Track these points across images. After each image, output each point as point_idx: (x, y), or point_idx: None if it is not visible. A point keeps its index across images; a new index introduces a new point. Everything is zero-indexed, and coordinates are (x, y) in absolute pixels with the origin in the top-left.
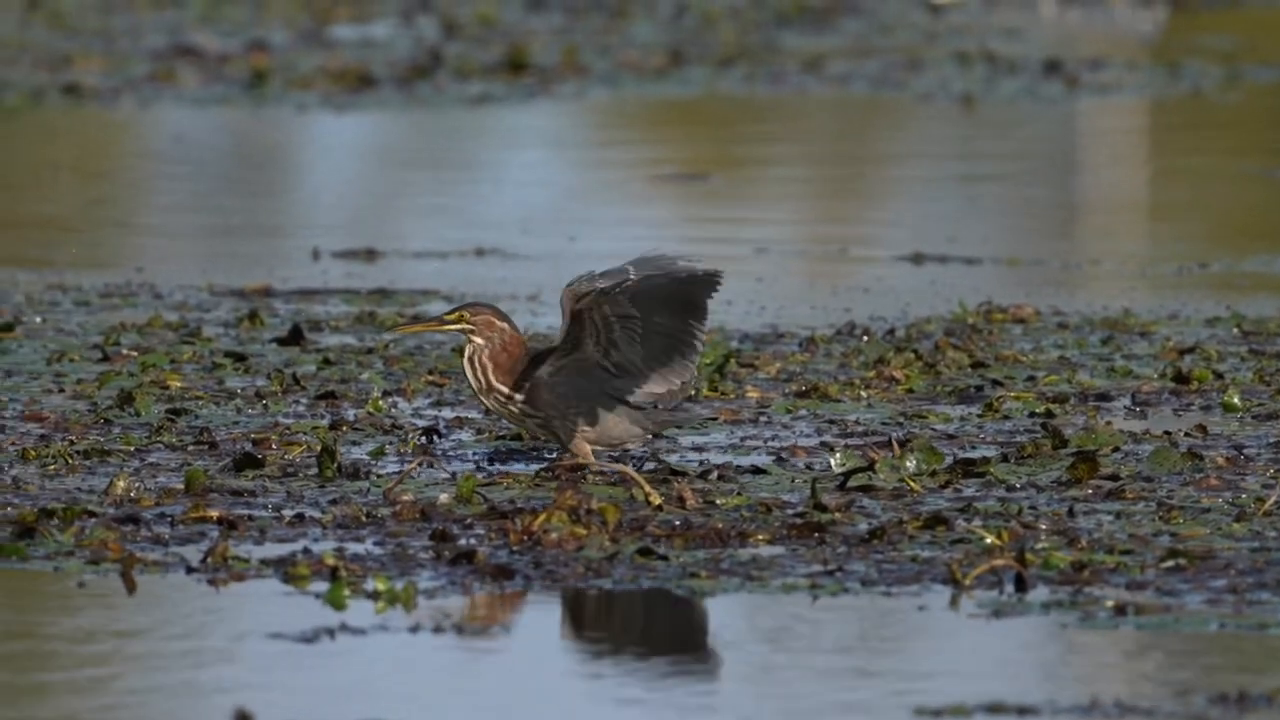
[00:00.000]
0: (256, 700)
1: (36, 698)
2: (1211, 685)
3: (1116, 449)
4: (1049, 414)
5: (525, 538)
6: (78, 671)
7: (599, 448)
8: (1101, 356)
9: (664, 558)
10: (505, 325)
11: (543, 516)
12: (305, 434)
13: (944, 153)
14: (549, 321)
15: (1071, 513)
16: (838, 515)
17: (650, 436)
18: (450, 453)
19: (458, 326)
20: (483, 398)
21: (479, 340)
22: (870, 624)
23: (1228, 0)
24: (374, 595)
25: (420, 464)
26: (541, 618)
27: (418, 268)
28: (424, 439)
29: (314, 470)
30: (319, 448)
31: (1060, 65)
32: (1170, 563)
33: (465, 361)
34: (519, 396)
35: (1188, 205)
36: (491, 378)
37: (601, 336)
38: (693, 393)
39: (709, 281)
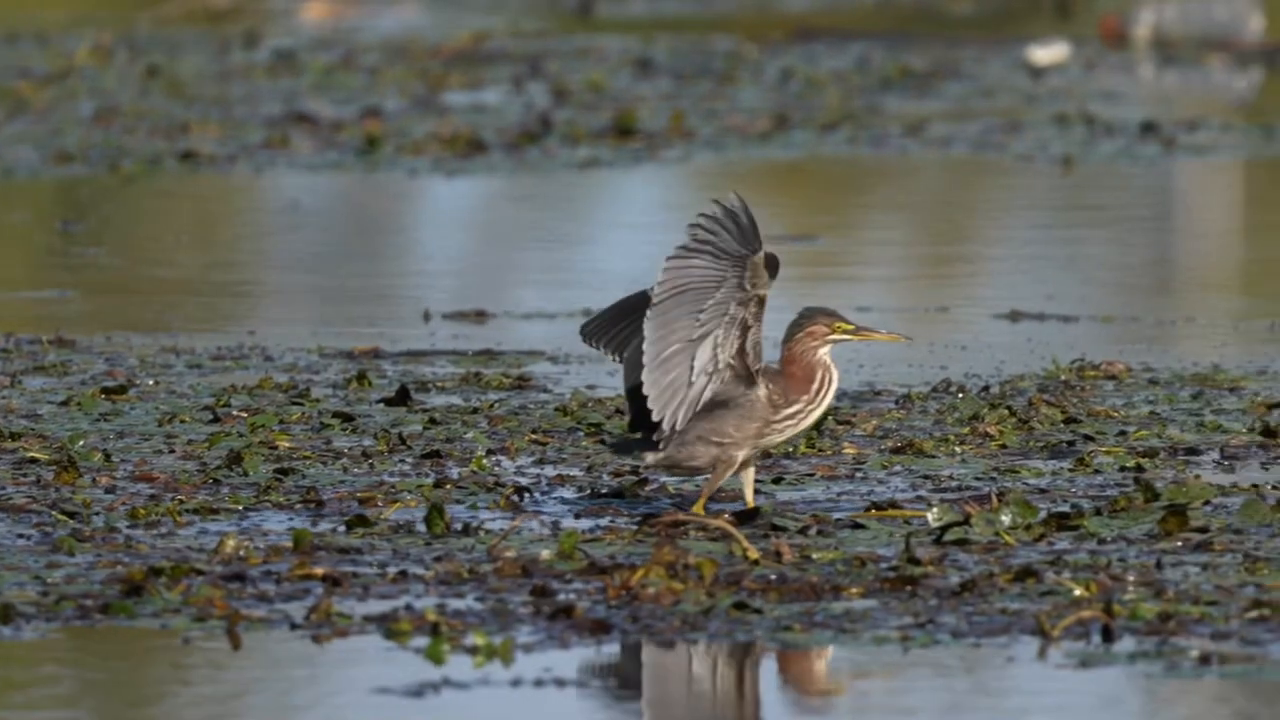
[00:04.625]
0: None
1: None
2: None
3: (1207, 502)
4: (1139, 468)
5: (623, 592)
6: None
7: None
8: (1191, 411)
9: (758, 611)
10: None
11: (640, 572)
12: (410, 492)
13: (1044, 213)
14: None
15: (1159, 565)
16: (930, 569)
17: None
18: (552, 510)
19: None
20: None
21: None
22: (959, 675)
23: None
24: (473, 650)
25: (522, 521)
26: (639, 671)
27: (526, 329)
28: (515, 496)
29: (422, 528)
30: (426, 505)
31: (1157, 127)
32: (1254, 613)
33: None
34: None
35: None
36: None
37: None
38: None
39: None
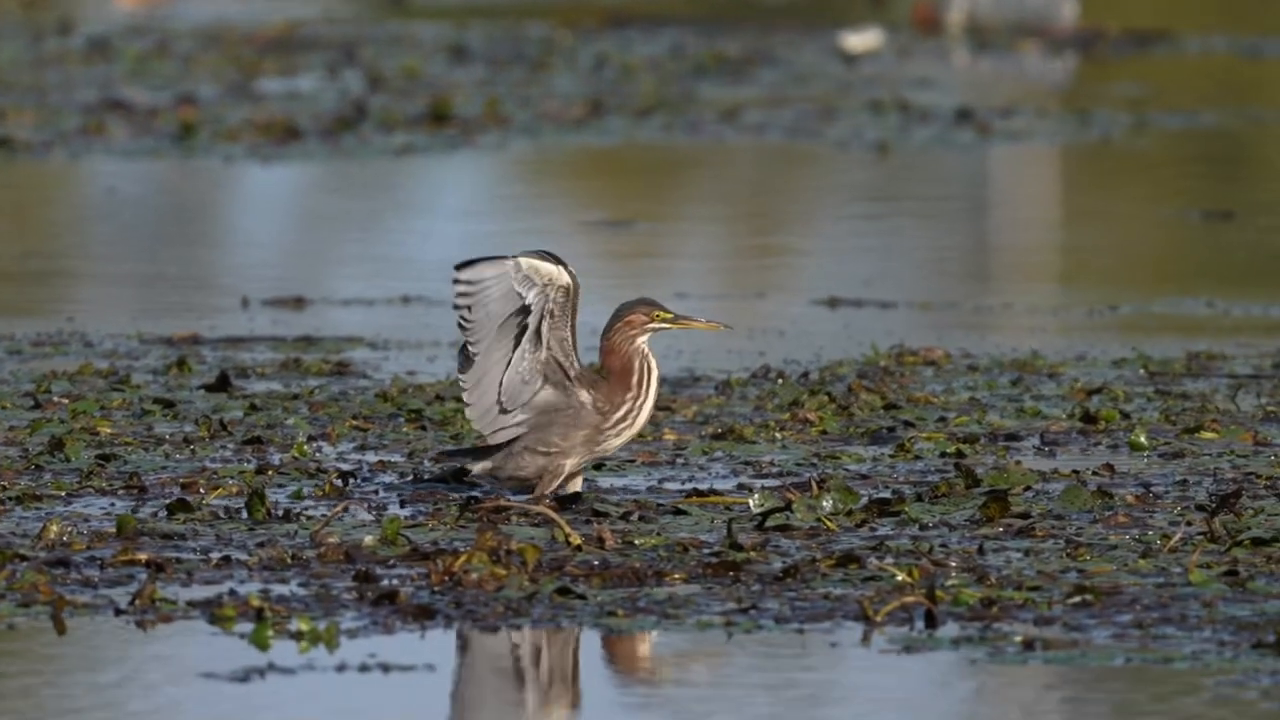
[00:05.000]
0: None
1: None
2: (1117, 719)
3: (1028, 488)
4: (960, 454)
5: (446, 578)
6: (5, 715)
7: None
8: (1011, 397)
9: (582, 597)
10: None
11: (464, 557)
12: (232, 478)
13: (860, 200)
14: None
15: (981, 550)
16: (753, 554)
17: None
18: (379, 495)
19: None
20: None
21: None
22: (783, 660)
23: (1135, 48)
24: (297, 635)
25: (346, 507)
26: (463, 655)
27: (344, 315)
28: (340, 482)
29: (244, 514)
30: (247, 491)
31: (972, 113)
32: (1077, 598)
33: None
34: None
35: (1098, 249)
36: None
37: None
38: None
39: None
